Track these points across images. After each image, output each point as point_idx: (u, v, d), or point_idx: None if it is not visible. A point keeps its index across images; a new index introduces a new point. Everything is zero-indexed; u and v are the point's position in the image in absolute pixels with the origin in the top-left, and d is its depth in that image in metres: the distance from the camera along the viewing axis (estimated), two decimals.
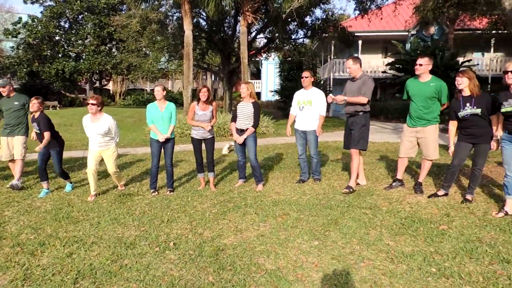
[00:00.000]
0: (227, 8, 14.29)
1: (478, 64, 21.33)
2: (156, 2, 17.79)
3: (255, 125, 5.71)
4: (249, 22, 14.46)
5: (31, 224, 4.45)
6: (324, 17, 19.73)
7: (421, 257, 3.35)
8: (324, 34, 20.10)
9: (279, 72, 24.38)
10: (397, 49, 19.09)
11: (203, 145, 5.83)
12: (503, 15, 6.35)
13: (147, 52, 24.73)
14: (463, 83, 4.59)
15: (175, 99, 38.18)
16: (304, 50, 22.54)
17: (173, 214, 4.69)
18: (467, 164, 6.03)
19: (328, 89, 22.43)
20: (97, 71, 33.44)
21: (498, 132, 4.47)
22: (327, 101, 5.66)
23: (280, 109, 23.26)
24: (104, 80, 37.43)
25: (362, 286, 2.96)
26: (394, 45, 19.75)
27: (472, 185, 4.82)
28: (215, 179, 6.18)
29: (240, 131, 5.76)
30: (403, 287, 2.93)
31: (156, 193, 5.68)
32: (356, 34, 20.90)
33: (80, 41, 31.81)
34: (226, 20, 21.20)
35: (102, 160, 5.73)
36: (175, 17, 20.51)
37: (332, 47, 23.03)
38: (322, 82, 23.50)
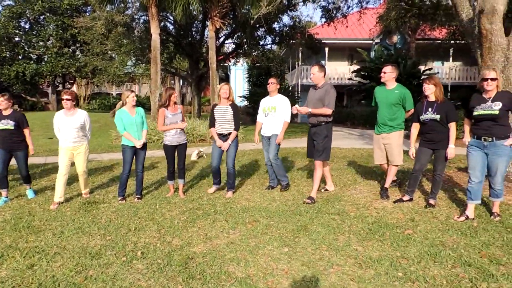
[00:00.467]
0: (195, 12, 14.26)
1: (438, 73, 22.26)
2: (122, 5, 17.47)
3: (237, 128, 5.66)
4: (217, 27, 14.45)
5: None
6: (292, 24, 20.04)
7: (388, 261, 3.43)
8: (291, 41, 20.40)
9: (247, 77, 24.48)
10: (362, 56, 19.65)
11: (175, 152, 5.72)
12: (460, 26, 6.64)
13: (113, 55, 24.19)
14: (430, 89, 4.76)
15: (142, 103, 37.52)
16: (272, 56, 22.75)
17: (141, 222, 4.59)
18: (430, 170, 6.25)
19: (296, 95, 22.72)
20: (60, 74, 32.37)
21: (466, 137, 4.63)
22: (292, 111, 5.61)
23: (249, 114, 23.33)
24: (67, 83, 36.26)
25: None
26: (359, 52, 20.29)
27: (434, 190, 4.99)
28: (184, 186, 6.09)
29: (222, 136, 5.65)
30: None
31: (124, 201, 5.54)
32: (323, 41, 21.31)
33: (41, 43, 30.70)
34: (194, 25, 21.13)
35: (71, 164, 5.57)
36: (141, 20, 20.24)
37: (300, 54, 23.38)
38: (290, 88, 23.77)
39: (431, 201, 4.96)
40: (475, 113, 4.37)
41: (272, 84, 5.85)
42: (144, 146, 5.61)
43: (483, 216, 4.53)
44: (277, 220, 4.55)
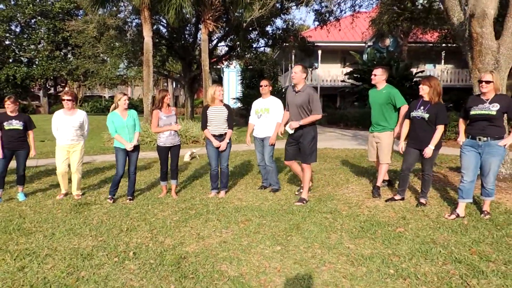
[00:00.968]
0: (187, 15, 14.25)
1: (431, 75, 22.38)
2: (115, 8, 17.42)
3: (232, 127, 5.69)
4: (210, 30, 14.47)
5: None
6: (285, 27, 20.10)
7: (380, 259, 3.45)
8: (284, 44, 20.45)
9: (241, 80, 24.52)
10: (355, 59, 19.78)
11: (169, 153, 5.71)
12: (452, 29, 6.72)
13: (105, 58, 24.09)
14: (423, 90, 4.81)
15: (135, 106, 37.35)
16: (265, 59, 22.82)
17: (133, 223, 4.57)
18: (420, 169, 6.29)
19: None
20: (52, 77, 32.16)
21: (461, 138, 4.67)
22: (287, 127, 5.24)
23: (242, 116, 23.35)
24: (59, 86, 36.04)
25: None
26: (352, 55, 20.43)
27: (424, 189, 5.03)
28: (177, 187, 6.07)
29: (218, 137, 5.63)
30: None
31: (112, 200, 5.51)
32: (316, 44, 21.40)
33: (32, 46, 30.50)
34: (187, 28, 21.12)
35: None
36: (134, 23, 20.18)
37: (293, 56, 23.46)
38: (283, 90, 23.82)
39: (422, 200, 5.00)
40: (472, 112, 4.40)
41: (265, 86, 5.88)
42: (137, 148, 5.59)
43: (474, 214, 4.58)
44: (270, 219, 4.56)
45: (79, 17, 26.86)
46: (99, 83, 29.84)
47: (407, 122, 5.08)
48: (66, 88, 36.38)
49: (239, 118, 24.17)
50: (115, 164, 5.67)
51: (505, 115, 4.46)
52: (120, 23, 18.39)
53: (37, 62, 30.49)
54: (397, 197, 5.21)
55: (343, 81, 21.01)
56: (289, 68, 25.29)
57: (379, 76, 5.42)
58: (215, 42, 21.12)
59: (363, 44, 23.40)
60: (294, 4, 18.83)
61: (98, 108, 36.59)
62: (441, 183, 6.10)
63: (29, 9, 28.49)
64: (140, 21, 16.27)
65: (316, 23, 19.08)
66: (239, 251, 3.69)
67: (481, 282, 3.02)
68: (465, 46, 6.24)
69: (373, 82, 5.52)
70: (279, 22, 42.07)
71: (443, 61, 22.89)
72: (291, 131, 5.09)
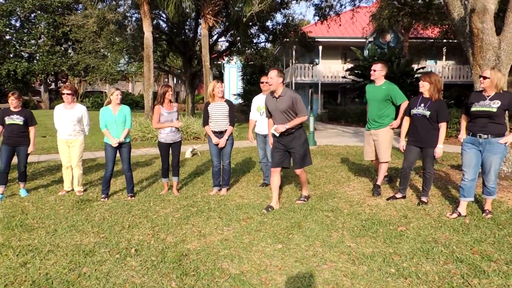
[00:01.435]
0: (187, 10, 14.20)
1: (431, 71, 22.35)
2: (114, 2, 17.37)
3: (233, 123, 5.64)
4: (210, 25, 14.43)
5: None
6: (285, 22, 20.01)
7: (381, 258, 3.45)
8: (285, 39, 20.38)
9: (241, 75, 24.45)
10: (356, 55, 19.70)
11: (170, 149, 5.70)
12: (452, 25, 6.69)
13: (106, 53, 24.02)
14: (423, 87, 4.79)
15: (136, 102, 37.35)
16: (266, 54, 22.73)
17: (135, 220, 4.58)
18: (421, 167, 6.29)
19: None
20: (52, 73, 32.08)
21: (462, 134, 4.65)
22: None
23: (243, 112, 23.32)
24: (60, 81, 35.98)
25: None
26: (353, 51, 20.36)
27: (425, 187, 5.02)
28: (179, 184, 6.07)
29: (219, 133, 5.61)
30: None
31: (106, 199, 5.51)
32: (316, 39, 21.32)
33: (33, 41, 30.39)
34: (187, 23, 21.04)
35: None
36: (134, 18, 20.12)
37: (294, 52, 23.38)
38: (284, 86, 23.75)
39: (424, 199, 5.00)
40: (473, 109, 4.38)
41: (266, 82, 5.84)
42: (124, 145, 5.52)
43: (475, 213, 4.58)
44: (271, 217, 4.56)
45: (79, 12, 26.75)
46: (100, 78, 29.70)
47: (407, 119, 5.06)
48: (66, 83, 36.36)
49: (240, 114, 24.14)
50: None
51: (507, 112, 4.45)
52: (119, 17, 18.31)
53: (37, 57, 30.41)
54: (398, 195, 5.21)
55: (344, 77, 20.96)
56: (290, 64, 25.24)
57: (378, 71, 5.36)
58: (215, 37, 21.06)
59: (364, 40, 23.32)
60: None
61: (99, 103, 36.50)
62: (442, 181, 6.10)
63: (28, 3, 28.34)
64: (139, 15, 16.20)
65: (316, 18, 19.02)
66: (240, 249, 3.70)
67: (483, 282, 3.02)
68: (466, 42, 6.22)
69: (372, 77, 5.45)
70: (279, 17, 42.04)
71: (444, 57, 22.82)
72: (277, 134, 4.83)
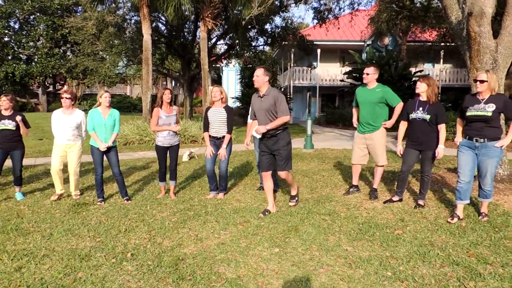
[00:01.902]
0: (186, 13, 14.23)
1: (429, 74, 22.44)
2: (113, 5, 17.38)
3: (230, 131, 5.52)
4: (209, 28, 14.45)
5: None
6: (284, 25, 20.07)
7: (378, 261, 3.45)
8: (283, 42, 20.43)
9: (240, 78, 24.46)
10: (354, 58, 19.75)
11: (167, 153, 5.68)
12: (450, 28, 6.72)
13: (104, 56, 24.04)
14: (420, 88, 4.79)
15: (134, 104, 37.31)
16: (265, 57, 22.78)
17: (131, 224, 4.56)
18: (419, 170, 6.30)
19: (288, 96, 22.76)
20: (51, 75, 32.11)
21: (458, 138, 4.65)
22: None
23: (241, 116, 23.31)
24: (58, 84, 35.95)
25: None
26: (351, 54, 20.41)
27: (422, 190, 5.02)
28: (176, 187, 6.06)
29: (216, 139, 5.56)
30: None
31: (103, 203, 5.49)
32: (314, 42, 21.37)
33: (31, 43, 30.42)
34: (186, 26, 21.10)
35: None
36: (133, 21, 20.16)
37: (292, 55, 23.43)
38: (282, 90, 23.80)
39: (420, 202, 5.00)
40: (468, 113, 4.38)
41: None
42: (111, 149, 5.47)
43: (472, 216, 4.58)
44: (268, 221, 4.56)
45: (78, 14, 26.80)
46: (98, 81, 29.80)
47: (404, 123, 5.06)
48: (66, 87, 36.32)
49: (238, 117, 24.13)
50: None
51: (502, 115, 4.46)
52: (119, 20, 18.35)
53: (36, 60, 30.44)
54: (395, 198, 5.21)
55: (342, 80, 20.99)
56: (288, 67, 25.27)
57: (371, 75, 5.28)
58: (214, 40, 21.10)
59: (362, 43, 23.38)
60: (293, 1, 18.83)
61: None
62: (439, 184, 6.10)
63: (27, 5, 28.40)
64: (139, 18, 16.25)
65: (315, 21, 19.09)
66: (237, 253, 3.69)
67: (479, 285, 3.02)
68: (463, 45, 6.25)
69: (365, 81, 5.35)
70: (278, 20, 42.13)
71: (441, 60, 22.89)
72: (258, 136, 4.72)
